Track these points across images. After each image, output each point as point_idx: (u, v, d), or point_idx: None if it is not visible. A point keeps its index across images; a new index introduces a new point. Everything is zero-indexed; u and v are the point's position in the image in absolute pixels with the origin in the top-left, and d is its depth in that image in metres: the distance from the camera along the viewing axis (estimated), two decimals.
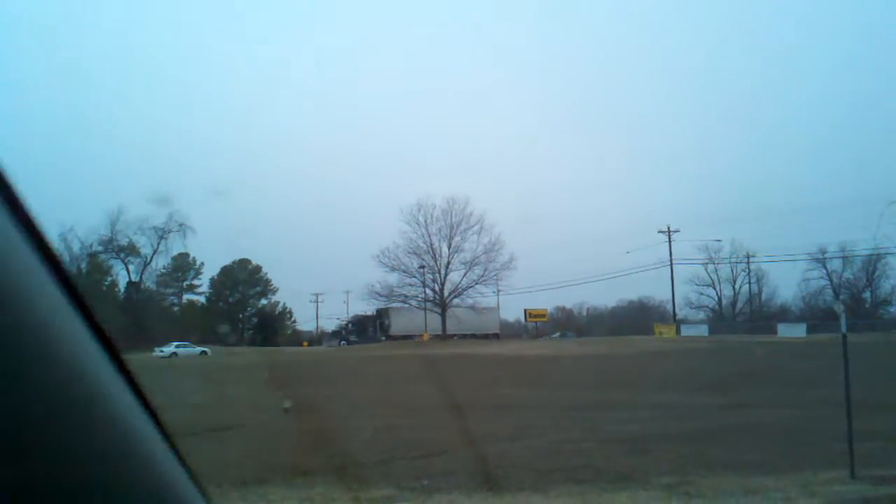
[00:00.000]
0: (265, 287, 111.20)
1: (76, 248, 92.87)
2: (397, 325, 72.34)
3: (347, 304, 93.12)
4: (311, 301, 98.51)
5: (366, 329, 72.47)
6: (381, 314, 74.64)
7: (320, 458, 9.33)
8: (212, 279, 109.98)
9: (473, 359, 36.05)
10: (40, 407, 1.00)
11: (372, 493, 7.00)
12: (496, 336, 75.29)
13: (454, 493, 7.03)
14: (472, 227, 72.75)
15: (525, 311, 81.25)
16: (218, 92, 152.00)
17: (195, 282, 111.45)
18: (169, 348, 56.51)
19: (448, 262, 74.42)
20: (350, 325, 73.20)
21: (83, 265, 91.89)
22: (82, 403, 1.13)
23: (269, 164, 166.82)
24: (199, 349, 58.87)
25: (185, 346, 57.93)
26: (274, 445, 10.51)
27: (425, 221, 73.84)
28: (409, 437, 11.17)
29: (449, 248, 74.34)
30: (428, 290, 75.46)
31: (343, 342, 69.38)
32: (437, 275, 75.05)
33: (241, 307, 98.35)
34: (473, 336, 72.48)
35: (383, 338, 70.74)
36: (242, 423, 13.15)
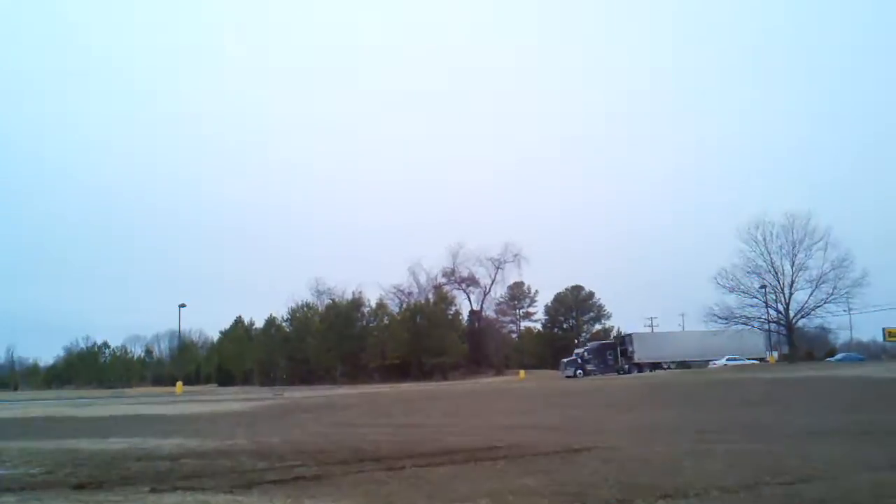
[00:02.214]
0: (598, 312, 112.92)
1: (422, 279, 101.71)
2: (641, 352, 68.64)
3: (683, 327, 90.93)
4: (646, 325, 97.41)
5: (604, 357, 69.19)
6: (624, 340, 71.68)
7: (679, 480, 9.34)
8: (546, 306, 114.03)
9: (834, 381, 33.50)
10: None
11: None
12: (760, 359, 69.17)
13: None
14: (817, 242, 67.71)
15: (884, 329, 72.79)
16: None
17: (531, 309, 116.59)
18: None
19: (792, 281, 69.74)
20: (586, 354, 69.79)
21: (430, 296, 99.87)
22: None
23: (597, 193, 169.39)
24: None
25: None
26: (630, 467, 10.65)
27: (764, 239, 70.17)
28: (767, 463, 10.75)
29: (792, 266, 69.63)
30: (771, 311, 71.34)
31: (579, 371, 66.35)
32: (780, 294, 70.70)
33: (575, 332, 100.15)
34: (734, 360, 67.22)
35: (626, 366, 67.16)
36: (596, 445, 13.45)
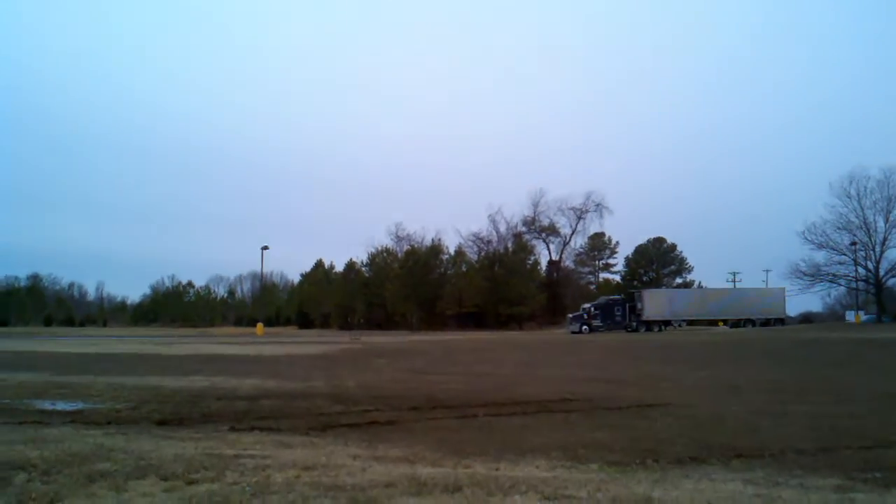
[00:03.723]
0: (680, 265, 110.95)
1: (503, 228, 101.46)
2: (651, 309, 66.15)
3: (766, 283, 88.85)
4: (727, 280, 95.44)
5: (612, 313, 66.65)
6: (634, 297, 69.08)
7: (755, 440, 9.19)
8: (626, 258, 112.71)
9: None
10: None
11: (818, 480, 6.74)
12: (781, 322, 66.12)
13: None
14: None
15: None
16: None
17: (610, 260, 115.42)
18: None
19: (885, 238, 67.19)
20: (593, 309, 67.25)
21: (510, 244, 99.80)
22: None
23: (683, 138, 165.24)
24: None
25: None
26: (704, 425, 10.53)
27: (858, 194, 67.72)
28: (847, 426, 10.48)
29: (886, 222, 67.01)
30: (860, 269, 68.99)
31: (584, 327, 64.31)
32: (871, 252, 68.27)
33: (655, 285, 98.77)
34: (750, 322, 64.58)
35: (634, 323, 65.17)
36: (670, 402, 13.33)
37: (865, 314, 74.15)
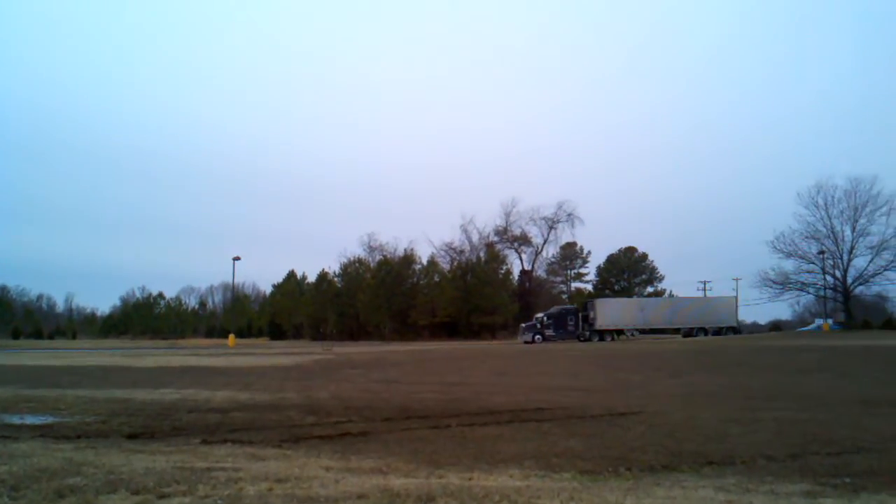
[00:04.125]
0: (651, 274, 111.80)
1: (475, 238, 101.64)
2: (604, 318, 66.11)
3: (737, 292, 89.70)
4: (698, 289, 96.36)
5: (565, 322, 66.59)
6: (586, 306, 69.34)
7: (726, 447, 9.29)
8: (598, 267, 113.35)
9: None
10: None
11: (788, 486, 6.83)
12: (733, 330, 66.59)
13: (883, 493, 6.60)
14: (880, 208, 66.13)
15: None
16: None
17: (582, 270, 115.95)
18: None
19: (852, 247, 68.29)
20: (546, 318, 67.09)
21: (482, 254, 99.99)
22: None
23: (652, 146, 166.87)
24: None
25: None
26: (673, 433, 10.62)
27: (825, 204, 68.79)
28: (816, 432, 10.62)
29: (853, 231, 68.11)
30: (828, 277, 69.97)
31: (537, 336, 64.28)
32: (839, 260, 69.31)
33: (626, 295, 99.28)
34: (702, 330, 65.22)
35: (587, 333, 65.20)
36: (641, 410, 13.43)
37: (834, 322, 75.09)
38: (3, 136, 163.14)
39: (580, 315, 68.07)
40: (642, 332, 69.81)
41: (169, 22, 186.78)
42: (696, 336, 64.78)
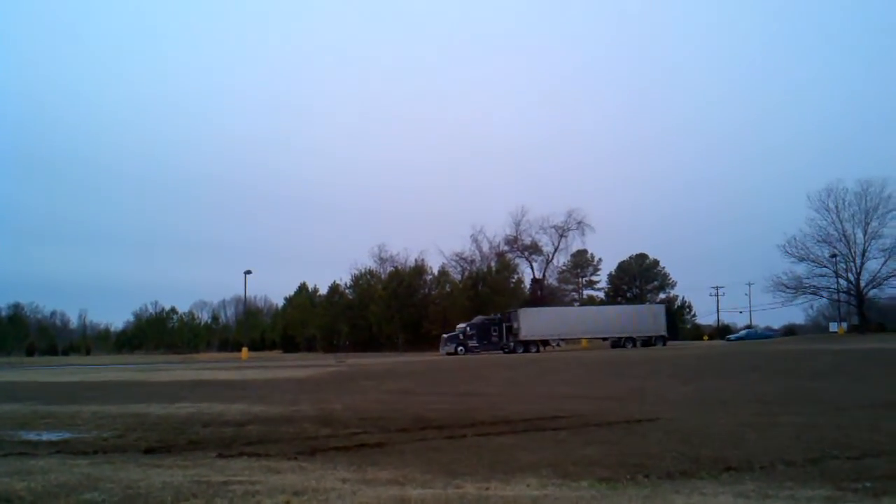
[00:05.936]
0: (663, 281, 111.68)
1: (485, 248, 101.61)
2: (528, 328, 64.16)
3: (749, 297, 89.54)
4: (710, 294, 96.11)
5: (488, 333, 65.20)
6: (509, 316, 67.10)
7: (744, 453, 9.22)
8: (609, 274, 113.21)
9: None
10: None
11: (808, 492, 6.77)
12: (662, 339, 64.59)
13: None
14: (892, 210, 65.92)
15: None
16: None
17: (593, 277, 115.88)
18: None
19: (864, 250, 67.97)
20: (469, 329, 65.71)
21: (493, 263, 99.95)
22: None
23: (658, 158, 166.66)
24: None
25: None
26: (690, 439, 10.56)
27: (836, 207, 68.54)
28: (835, 437, 10.54)
29: (865, 234, 67.82)
30: (841, 281, 69.65)
31: (460, 348, 63.02)
32: (852, 263, 69.00)
33: (638, 301, 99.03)
34: (630, 340, 63.46)
35: (511, 343, 63.53)
36: (656, 417, 13.37)
37: (848, 325, 74.64)
38: (18, 154, 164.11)
39: (504, 326, 66.50)
40: (568, 342, 68.53)
41: (192, 37, 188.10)
42: (624, 346, 62.43)
